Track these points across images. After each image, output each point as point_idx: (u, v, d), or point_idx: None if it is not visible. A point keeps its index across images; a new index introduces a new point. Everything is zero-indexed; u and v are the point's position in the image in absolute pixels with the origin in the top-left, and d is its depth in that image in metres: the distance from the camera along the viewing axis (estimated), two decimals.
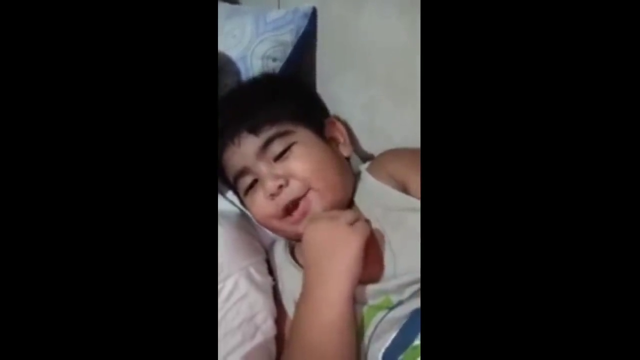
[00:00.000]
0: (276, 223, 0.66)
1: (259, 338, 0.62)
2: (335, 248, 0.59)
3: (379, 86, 0.74)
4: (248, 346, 0.61)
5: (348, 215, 0.62)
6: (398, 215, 0.62)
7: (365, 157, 0.76)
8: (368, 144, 0.77)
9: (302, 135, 0.66)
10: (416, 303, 0.56)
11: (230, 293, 0.62)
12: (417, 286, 0.57)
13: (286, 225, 0.65)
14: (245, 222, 0.72)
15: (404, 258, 0.60)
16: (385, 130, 0.75)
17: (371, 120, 0.76)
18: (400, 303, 0.57)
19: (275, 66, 0.78)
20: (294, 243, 0.71)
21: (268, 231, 0.72)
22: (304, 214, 0.64)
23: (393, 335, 0.56)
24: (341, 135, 0.72)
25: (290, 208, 0.64)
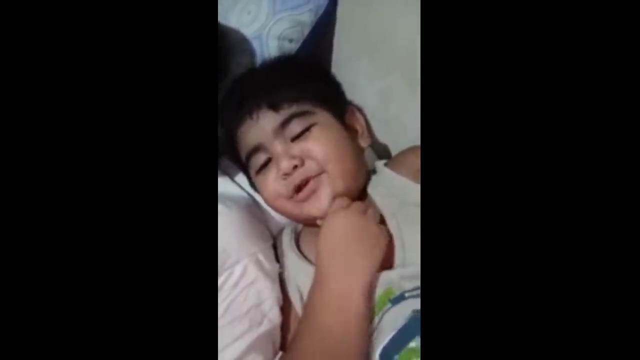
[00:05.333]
0: (285, 203, 0.67)
1: (265, 325, 0.63)
2: (365, 242, 0.61)
3: (396, 73, 0.75)
4: (255, 333, 0.62)
5: (374, 213, 0.63)
6: (414, 208, 0.62)
7: (379, 148, 0.77)
8: (381, 133, 0.78)
9: (323, 118, 0.67)
10: (417, 303, 0.57)
11: (239, 279, 0.63)
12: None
13: (293, 204, 0.66)
14: (254, 207, 0.73)
15: (415, 251, 0.61)
16: (399, 119, 0.76)
17: (386, 109, 0.76)
18: (402, 297, 0.58)
19: (291, 48, 0.78)
20: (299, 231, 0.73)
21: (276, 216, 0.73)
22: (312, 193, 0.65)
23: (392, 334, 0.56)
24: (360, 126, 0.73)
25: (300, 187, 0.65)
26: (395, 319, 0.57)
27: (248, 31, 0.78)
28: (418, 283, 0.58)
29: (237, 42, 0.78)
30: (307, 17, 0.77)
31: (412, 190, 0.64)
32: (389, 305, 0.58)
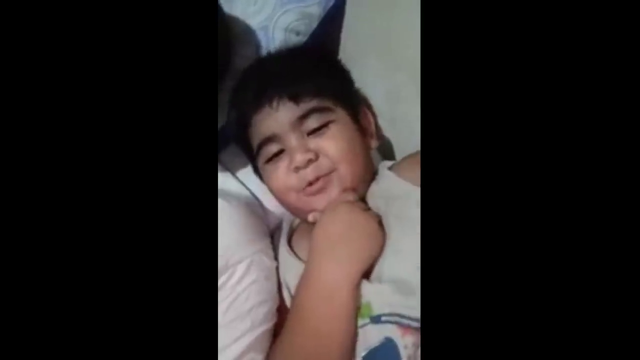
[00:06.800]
0: (293, 196, 0.67)
1: (265, 324, 0.64)
2: (362, 237, 0.61)
3: (404, 73, 0.74)
4: (256, 332, 0.62)
5: (375, 213, 0.64)
6: (400, 206, 0.63)
7: (383, 148, 0.76)
8: (387, 133, 0.77)
9: (340, 116, 0.68)
10: (390, 330, 0.57)
11: (241, 277, 0.63)
12: (400, 301, 0.57)
13: (300, 198, 0.66)
14: (255, 204, 0.73)
15: (397, 258, 0.60)
16: (406, 120, 0.75)
17: (392, 109, 0.76)
18: (379, 319, 0.58)
19: (298, 40, 0.77)
20: (294, 227, 0.73)
21: (275, 212, 0.74)
22: (321, 190, 0.65)
23: (363, 354, 0.58)
24: (371, 128, 0.73)
25: (312, 182, 0.65)
26: (369, 337, 0.58)
27: (253, 22, 0.77)
28: (394, 309, 0.57)
29: (241, 33, 0.77)
30: (315, 10, 0.76)
31: (398, 186, 0.64)
32: (367, 320, 0.59)
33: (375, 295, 0.59)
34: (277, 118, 0.65)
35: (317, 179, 0.65)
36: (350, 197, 0.65)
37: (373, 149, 0.72)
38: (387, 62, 0.74)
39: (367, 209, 0.65)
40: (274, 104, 0.65)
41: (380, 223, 0.63)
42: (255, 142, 0.68)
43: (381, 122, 0.76)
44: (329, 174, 0.65)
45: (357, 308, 0.59)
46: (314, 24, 0.76)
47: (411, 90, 0.72)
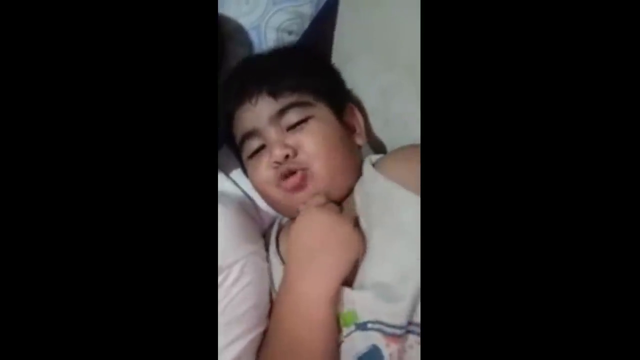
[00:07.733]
0: (273, 191, 0.67)
1: (260, 327, 0.63)
2: (337, 242, 0.60)
3: (399, 71, 0.74)
4: (252, 334, 0.62)
5: (349, 214, 0.63)
6: (382, 207, 0.62)
7: (377, 146, 0.76)
8: (382, 132, 0.76)
9: (321, 112, 0.67)
10: (376, 338, 0.56)
11: (237, 279, 0.62)
12: (383, 308, 0.57)
13: (280, 192, 0.66)
14: (248, 205, 0.73)
15: (380, 264, 0.60)
16: (401, 118, 0.75)
17: (387, 107, 0.75)
18: (365, 326, 0.58)
19: (290, 40, 0.77)
20: (282, 225, 0.72)
21: (269, 212, 0.73)
22: (299, 183, 0.65)
23: None
24: (358, 125, 0.72)
25: (287, 176, 0.65)
26: (357, 344, 0.57)
27: (246, 21, 0.76)
28: (378, 317, 0.57)
29: (234, 32, 0.76)
30: (307, 9, 0.76)
31: (395, 194, 0.62)
32: (353, 327, 0.58)
33: (359, 302, 0.58)
34: (256, 113, 0.66)
35: (293, 172, 0.64)
36: (321, 200, 0.64)
37: (361, 147, 0.71)
38: (381, 60, 0.74)
39: (340, 210, 0.64)
40: (253, 99, 0.66)
41: (356, 224, 0.62)
42: (238, 137, 0.68)
43: (375, 121, 0.75)
44: (306, 169, 0.64)
45: (336, 317, 0.59)
46: (307, 23, 0.76)
47: (405, 88, 0.72)
